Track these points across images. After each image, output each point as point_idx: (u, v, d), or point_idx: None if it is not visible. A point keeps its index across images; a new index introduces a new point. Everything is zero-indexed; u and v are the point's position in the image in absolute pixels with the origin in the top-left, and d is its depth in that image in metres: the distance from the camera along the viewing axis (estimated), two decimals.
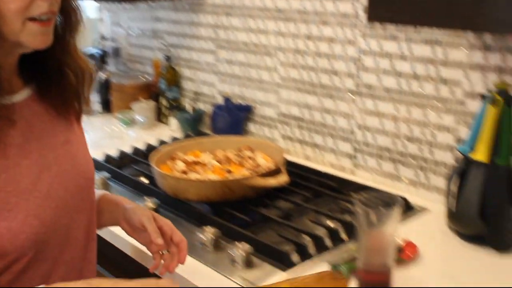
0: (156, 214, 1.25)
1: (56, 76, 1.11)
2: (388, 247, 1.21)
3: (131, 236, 1.27)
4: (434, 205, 1.63)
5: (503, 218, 1.39)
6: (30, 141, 1.06)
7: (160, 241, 1.18)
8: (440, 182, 1.65)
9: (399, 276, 1.28)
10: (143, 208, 1.26)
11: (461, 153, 1.44)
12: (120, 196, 1.34)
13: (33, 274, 1.03)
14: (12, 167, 1.01)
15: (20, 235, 0.99)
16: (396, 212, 1.18)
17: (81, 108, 1.18)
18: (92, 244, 1.20)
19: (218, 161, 1.81)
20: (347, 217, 1.54)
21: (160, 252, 1.23)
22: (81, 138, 1.21)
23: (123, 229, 1.27)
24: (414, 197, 1.71)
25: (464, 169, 1.42)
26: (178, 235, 1.23)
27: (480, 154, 1.39)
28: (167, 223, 1.23)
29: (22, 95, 1.08)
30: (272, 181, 1.62)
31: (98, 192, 1.28)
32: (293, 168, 1.86)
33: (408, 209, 1.62)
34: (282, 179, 1.64)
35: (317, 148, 2.00)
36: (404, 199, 1.63)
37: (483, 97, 1.41)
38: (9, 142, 1.00)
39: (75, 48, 1.12)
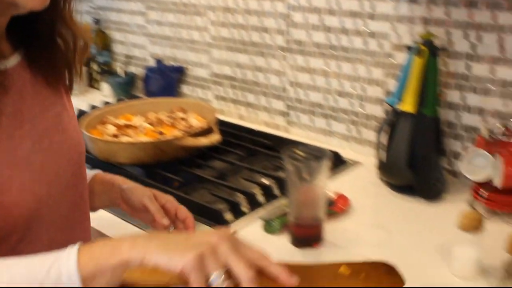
0: (157, 192, 1.19)
1: (46, 42, 1.01)
2: (318, 200, 1.22)
3: (133, 217, 1.21)
4: (366, 159, 1.65)
5: (431, 168, 1.42)
6: (22, 110, 0.96)
7: (165, 221, 1.13)
8: (371, 135, 1.67)
9: (331, 228, 1.30)
10: (142, 187, 1.19)
11: (389, 105, 1.46)
12: (115, 175, 1.24)
13: (23, 253, 0.95)
14: (5, 137, 0.92)
15: (13, 211, 0.90)
16: (325, 165, 1.19)
17: (72, 79, 1.07)
18: (86, 224, 1.12)
19: (150, 124, 1.78)
20: (281, 174, 1.54)
21: (166, 230, 1.17)
22: (71, 111, 1.10)
23: (123, 210, 1.20)
24: (347, 152, 1.72)
25: (393, 120, 1.44)
26: (183, 211, 1.17)
27: (408, 105, 1.40)
28: (169, 200, 1.18)
29: (13, 60, 0.97)
30: (204, 141, 1.61)
31: (90, 172, 1.20)
32: (227, 128, 1.86)
33: (340, 163, 1.64)
34: (214, 138, 1.63)
35: (251, 107, 1.99)
36: (337, 154, 1.65)
37: (409, 48, 1.42)
38: (1, 110, 0.91)
39: (70, 14, 1.01)
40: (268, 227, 1.29)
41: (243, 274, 0.76)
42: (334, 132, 1.78)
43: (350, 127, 1.73)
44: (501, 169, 1.26)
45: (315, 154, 1.20)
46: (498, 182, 1.28)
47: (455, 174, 1.53)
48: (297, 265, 0.84)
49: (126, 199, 1.17)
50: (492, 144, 1.32)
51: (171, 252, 0.77)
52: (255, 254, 0.80)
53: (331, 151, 1.62)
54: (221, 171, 1.61)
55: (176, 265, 0.76)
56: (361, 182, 1.56)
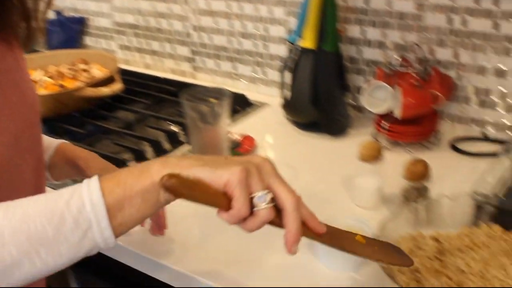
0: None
1: None
2: (220, 142, 1.21)
3: None
4: (273, 99, 1.65)
5: (334, 103, 1.43)
6: None
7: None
8: (277, 76, 1.66)
9: None
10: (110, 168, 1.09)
11: (290, 42, 1.45)
12: (80, 150, 1.10)
13: None
14: None
15: None
16: (225, 105, 1.17)
17: (31, 32, 0.89)
18: (44, 189, 1.00)
19: (50, 77, 1.71)
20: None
21: None
22: (25, 67, 0.97)
23: None
24: (254, 94, 1.71)
25: (295, 58, 1.43)
26: None
27: (308, 42, 1.40)
28: None
29: None
30: (105, 90, 1.56)
31: (53, 140, 1.08)
32: (132, 77, 1.81)
33: (247, 105, 1.63)
34: (116, 87, 1.59)
35: (156, 55, 1.94)
36: (243, 96, 1.64)
37: None
38: None
39: None
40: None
41: (289, 198, 0.69)
42: (240, 75, 1.76)
43: (255, 69, 1.72)
44: (400, 100, 1.28)
45: (214, 95, 1.18)
46: (397, 113, 1.30)
47: (360, 109, 1.55)
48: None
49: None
50: (391, 76, 1.34)
51: (212, 167, 0.67)
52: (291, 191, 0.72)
53: (238, 93, 1.63)
54: (126, 121, 1.57)
55: (220, 177, 0.67)
56: (267, 122, 1.55)
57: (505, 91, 1.35)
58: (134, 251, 1.04)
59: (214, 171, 0.67)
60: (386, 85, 1.32)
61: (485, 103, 1.39)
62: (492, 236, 0.94)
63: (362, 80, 1.53)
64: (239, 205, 0.67)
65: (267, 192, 0.68)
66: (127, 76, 1.80)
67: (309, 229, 0.72)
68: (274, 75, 1.68)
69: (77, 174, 1.07)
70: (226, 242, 1.05)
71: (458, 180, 1.20)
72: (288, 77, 1.45)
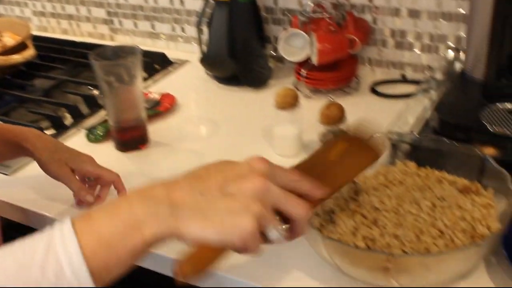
0: (74, 156, 1.04)
1: None
2: (136, 100, 1.18)
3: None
4: (193, 56, 1.61)
5: (253, 55, 1.41)
6: None
7: (89, 198, 1.01)
8: (195, 32, 1.63)
9: (158, 128, 1.28)
10: (58, 153, 1.02)
11: None
12: (29, 130, 1.05)
13: None
14: None
15: None
16: (137, 62, 1.14)
17: None
18: None
19: None
20: None
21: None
22: None
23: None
24: (175, 52, 1.68)
25: (210, 12, 1.40)
26: (107, 176, 1.05)
27: None
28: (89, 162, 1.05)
29: None
30: (16, 57, 1.50)
31: None
32: (48, 44, 1.76)
33: (167, 64, 1.60)
34: (28, 53, 1.53)
35: (72, 19, 1.88)
36: (163, 55, 1.61)
37: None
38: None
39: None
40: (91, 136, 1.24)
41: (298, 215, 0.65)
42: (159, 34, 1.72)
43: (174, 26, 1.68)
44: (316, 46, 1.27)
45: (125, 53, 1.15)
46: (314, 59, 1.29)
47: (280, 59, 1.53)
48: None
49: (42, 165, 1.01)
50: (306, 24, 1.32)
51: (217, 225, 0.59)
52: (287, 175, 0.68)
53: (157, 52, 1.59)
54: (43, 88, 1.52)
55: (231, 242, 0.60)
56: (188, 79, 1.53)
57: (420, 31, 1.36)
58: None
59: (223, 236, 0.59)
60: (302, 32, 1.31)
61: (401, 45, 1.39)
62: (407, 172, 0.95)
63: (280, 30, 1.51)
64: (253, 251, 0.62)
65: (277, 224, 0.63)
66: (43, 42, 1.74)
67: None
68: (193, 31, 1.64)
69: (21, 155, 1.03)
70: None
71: (377, 122, 1.21)
72: (203, 31, 1.43)
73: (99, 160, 1.15)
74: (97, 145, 1.24)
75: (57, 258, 0.55)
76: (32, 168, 1.10)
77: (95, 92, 1.44)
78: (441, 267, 0.76)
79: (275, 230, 0.63)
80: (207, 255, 0.60)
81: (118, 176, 1.04)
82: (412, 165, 0.96)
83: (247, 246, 0.60)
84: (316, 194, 0.69)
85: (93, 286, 0.56)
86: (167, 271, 0.90)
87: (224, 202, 0.60)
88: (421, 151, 0.98)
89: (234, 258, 0.67)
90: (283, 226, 0.64)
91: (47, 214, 1.04)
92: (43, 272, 0.54)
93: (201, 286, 0.83)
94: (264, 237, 0.63)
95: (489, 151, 0.98)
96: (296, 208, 0.65)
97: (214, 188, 0.61)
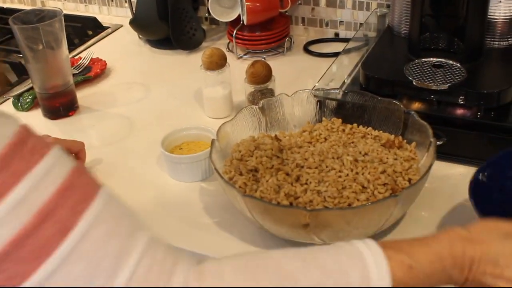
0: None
1: None
2: (62, 66, 1.15)
3: None
4: (126, 20, 1.57)
5: (184, 17, 1.38)
6: None
7: None
8: None
9: (88, 93, 1.26)
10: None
11: None
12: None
13: None
14: None
15: None
16: (59, 26, 1.10)
17: None
18: None
19: None
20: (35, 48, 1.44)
21: None
22: None
23: None
24: (108, 16, 1.65)
25: None
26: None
27: None
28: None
29: None
30: None
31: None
32: None
33: (100, 29, 1.56)
34: None
35: None
36: (95, 20, 1.57)
37: None
38: None
39: None
40: (18, 104, 1.21)
41: None
42: None
43: None
44: (245, 5, 1.26)
45: (47, 17, 1.11)
46: (244, 19, 1.27)
47: (214, 21, 1.51)
48: None
49: None
50: None
51: None
52: None
53: (89, 17, 1.56)
54: None
55: None
56: (121, 44, 1.50)
57: None
58: None
59: None
60: None
61: (334, 3, 1.38)
62: (332, 129, 0.95)
63: None
64: None
65: None
66: None
67: None
68: None
69: None
70: None
71: (309, 81, 1.21)
72: None
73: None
74: (25, 113, 1.21)
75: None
76: None
77: (19, 59, 1.40)
78: (361, 221, 0.76)
79: None
80: None
81: (83, 144, 1.01)
82: (337, 121, 0.96)
83: None
84: None
85: None
86: None
87: None
88: (347, 108, 0.98)
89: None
90: None
91: None
92: None
93: None
94: None
95: (414, 105, 0.99)
96: None
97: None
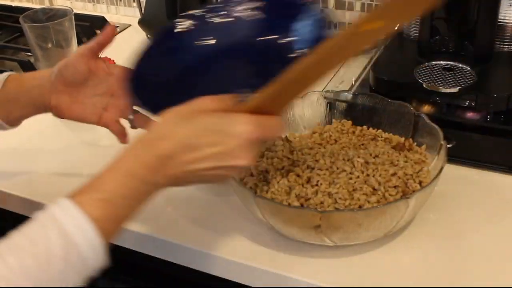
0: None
1: None
2: None
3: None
4: (134, 20, 1.58)
5: None
6: None
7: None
8: None
9: None
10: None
11: None
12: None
13: None
14: None
15: None
16: (71, 25, 1.11)
17: None
18: None
19: None
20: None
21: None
22: None
23: (54, 108, 0.89)
24: (116, 16, 1.65)
25: None
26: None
27: None
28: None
29: None
30: None
31: None
32: None
33: None
34: None
35: None
36: (103, 19, 1.58)
37: None
38: None
39: None
40: None
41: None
42: None
43: None
44: None
45: (57, 16, 1.12)
46: None
47: None
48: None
49: (60, 82, 0.87)
50: None
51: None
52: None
53: (97, 16, 1.56)
54: None
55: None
56: (129, 43, 1.48)
57: None
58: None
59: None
60: None
61: (342, 4, 1.39)
62: (342, 131, 0.95)
63: None
64: None
65: None
66: None
67: None
68: None
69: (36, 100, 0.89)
70: None
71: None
72: None
73: (37, 127, 1.14)
74: None
75: (78, 250, 0.57)
76: None
77: (32, 58, 1.40)
78: (373, 223, 0.77)
79: None
80: None
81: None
82: (348, 123, 0.97)
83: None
84: None
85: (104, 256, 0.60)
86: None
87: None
88: (357, 109, 0.98)
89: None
90: None
91: None
92: (67, 263, 0.56)
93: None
94: None
95: (423, 108, 0.99)
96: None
97: (207, 162, 0.66)
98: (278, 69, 0.67)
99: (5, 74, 0.89)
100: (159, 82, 0.86)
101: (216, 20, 0.89)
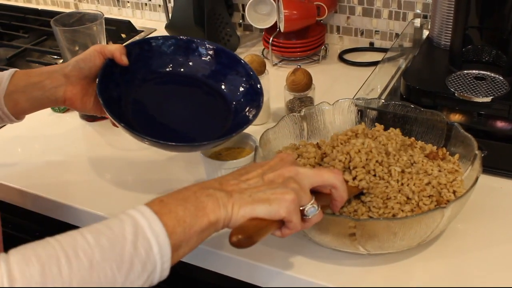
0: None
1: None
2: None
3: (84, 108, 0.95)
4: (159, 24, 1.60)
5: (220, 23, 1.39)
6: None
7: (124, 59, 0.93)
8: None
9: None
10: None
11: None
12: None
13: None
14: None
15: None
16: (101, 29, 1.11)
17: None
18: None
19: None
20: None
21: None
22: None
23: (68, 100, 0.93)
24: (141, 20, 1.66)
25: None
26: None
27: None
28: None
29: None
30: None
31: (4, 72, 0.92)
32: (9, 12, 1.72)
33: (134, 32, 1.57)
34: None
35: None
36: (129, 23, 1.58)
37: None
38: None
39: None
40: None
41: (333, 179, 0.73)
42: (125, 2, 1.69)
43: None
44: (282, 13, 1.26)
45: (88, 20, 1.12)
46: (281, 26, 1.28)
47: (249, 27, 1.52)
48: None
49: (77, 74, 0.91)
50: None
51: (266, 201, 0.68)
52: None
53: (123, 20, 1.57)
54: (6, 57, 1.49)
55: (277, 213, 0.67)
56: None
57: None
58: None
59: (270, 208, 0.67)
60: None
61: (369, 12, 1.38)
62: (371, 133, 0.94)
63: None
64: (296, 227, 0.70)
65: (313, 202, 0.71)
66: (5, 11, 1.71)
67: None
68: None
69: (47, 93, 0.92)
70: None
71: (345, 89, 1.20)
72: None
73: (64, 130, 1.14)
74: (62, 115, 1.22)
75: (145, 235, 0.60)
76: None
77: (59, 60, 1.41)
78: (408, 232, 0.76)
79: (312, 207, 0.70)
80: (256, 225, 0.67)
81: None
82: (380, 127, 0.95)
83: (291, 216, 0.68)
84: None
85: (169, 262, 0.62)
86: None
87: (267, 185, 0.70)
88: (388, 118, 0.98)
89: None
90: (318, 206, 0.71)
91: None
92: (136, 248, 0.59)
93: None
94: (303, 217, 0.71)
95: (455, 117, 0.99)
96: (330, 176, 0.73)
97: (256, 178, 0.71)
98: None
99: (12, 70, 0.93)
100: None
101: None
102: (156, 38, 0.99)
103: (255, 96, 0.96)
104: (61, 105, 0.94)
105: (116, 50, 0.91)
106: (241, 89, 0.98)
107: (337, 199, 0.75)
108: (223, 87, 0.99)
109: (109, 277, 0.58)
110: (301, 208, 0.70)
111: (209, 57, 1.00)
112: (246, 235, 0.66)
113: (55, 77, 0.91)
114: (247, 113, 0.95)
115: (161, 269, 0.62)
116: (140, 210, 0.63)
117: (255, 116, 0.93)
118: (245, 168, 0.74)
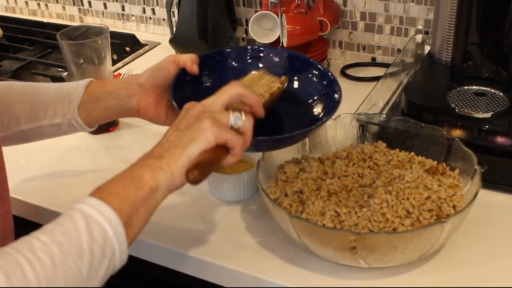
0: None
1: None
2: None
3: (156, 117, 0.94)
4: (164, 38, 1.61)
5: (224, 37, 1.40)
6: None
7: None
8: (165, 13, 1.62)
9: None
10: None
11: None
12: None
13: None
14: None
15: None
16: (106, 43, 1.13)
17: None
18: (5, 194, 0.84)
19: None
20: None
21: None
22: None
23: (141, 110, 0.92)
24: (145, 34, 1.67)
25: None
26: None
27: None
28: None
29: None
30: None
31: (79, 82, 0.93)
32: (15, 24, 1.73)
33: (138, 46, 1.59)
34: None
35: (41, 0, 1.85)
36: (134, 37, 1.60)
37: None
38: None
39: None
40: None
41: (235, 89, 0.75)
42: (130, 16, 1.70)
43: (145, 8, 1.67)
44: (286, 28, 1.27)
45: (93, 33, 1.13)
46: (284, 41, 1.29)
47: (251, 42, 1.53)
48: None
49: (151, 83, 0.91)
50: (276, 5, 1.32)
51: (192, 137, 0.70)
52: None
53: (127, 34, 1.58)
54: (11, 69, 1.50)
55: (208, 141, 0.70)
56: (158, 61, 1.51)
57: (390, 14, 1.36)
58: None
59: (198, 143, 0.70)
60: (272, 14, 1.31)
61: (372, 28, 1.40)
62: (376, 150, 0.95)
63: (251, 12, 1.51)
64: (236, 144, 0.72)
65: (233, 113, 0.73)
66: (10, 23, 1.72)
67: None
68: (162, 12, 1.63)
69: (121, 101, 0.92)
70: None
71: (347, 104, 1.21)
72: (173, 12, 1.42)
73: (68, 142, 1.15)
74: None
75: (97, 220, 0.62)
76: None
77: (64, 73, 1.42)
78: (408, 246, 0.77)
79: (234, 117, 0.73)
80: (202, 158, 0.70)
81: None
82: (382, 145, 0.97)
83: (222, 137, 0.71)
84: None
85: (126, 242, 0.64)
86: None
87: (185, 131, 0.72)
88: (389, 132, 0.99)
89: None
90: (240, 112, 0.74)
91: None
92: (91, 236, 0.61)
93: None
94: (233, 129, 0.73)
95: (455, 133, 1.00)
96: (230, 89, 0.75)
97: (174, 133, 0.73)
98: None
99: (87, 80, 0.94)
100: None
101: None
102: (229, 48, 1.00)
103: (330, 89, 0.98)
104: (135, 116, 0.93)
105: (188, 60, 0.91)
106: (317, 88, 0.98)
107: (253, 104, 0.76)
108: (296, 86, 0.97)
109: (74, 270, 0.59)
110: (230, 126, 0.73)
111: (282, 63, 0.98)
112: (195, 166, 0.68)
113: (130, 87, 0.91)
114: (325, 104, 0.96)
115: (120, 251, 0.64)
116: (84, 202, 0.64)
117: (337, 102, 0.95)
118: (163, 136, 0.75)
